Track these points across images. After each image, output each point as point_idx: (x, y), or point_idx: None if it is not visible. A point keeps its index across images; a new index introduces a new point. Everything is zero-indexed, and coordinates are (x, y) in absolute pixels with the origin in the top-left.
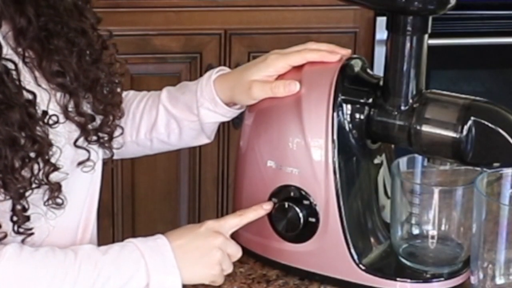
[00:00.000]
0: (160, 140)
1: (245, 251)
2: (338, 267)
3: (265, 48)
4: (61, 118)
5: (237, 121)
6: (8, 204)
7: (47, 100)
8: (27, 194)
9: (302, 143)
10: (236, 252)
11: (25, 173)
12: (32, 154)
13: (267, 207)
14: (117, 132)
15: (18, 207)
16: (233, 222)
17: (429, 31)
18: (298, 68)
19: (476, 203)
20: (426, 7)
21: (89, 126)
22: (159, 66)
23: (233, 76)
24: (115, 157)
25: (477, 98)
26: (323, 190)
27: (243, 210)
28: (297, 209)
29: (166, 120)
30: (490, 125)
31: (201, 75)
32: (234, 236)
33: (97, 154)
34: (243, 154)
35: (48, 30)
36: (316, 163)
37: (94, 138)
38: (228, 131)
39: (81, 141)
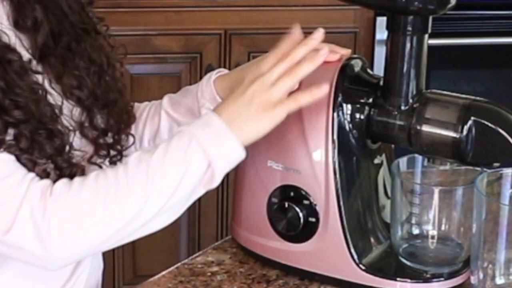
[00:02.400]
0: None
1: (245, 251)
2: (338, 267)
3: (265, 48)
4: (77, 134)
5: None
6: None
7: (59, 108)
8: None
9: (302, 143)
10: (289, 80)
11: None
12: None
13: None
14: (129, 142)
15: (59, 160)
16: (273, 59)
17: (429, 31)
18: None
19: (476, 203)
20: (426, 7)
21: (101, 141)
22: (159, 66)
23: (233, 75)
24: None
25: (477, 98)
26: (323, 190)
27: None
28: (297, 209)
29: (168, 125)
30: (490, 125)
31: (201, 75)
32: (234, 236)
33: None
34: None
35: (70, 50)
36: (316, 163)
37: (104, 153)
38: None
39: (94, 158)
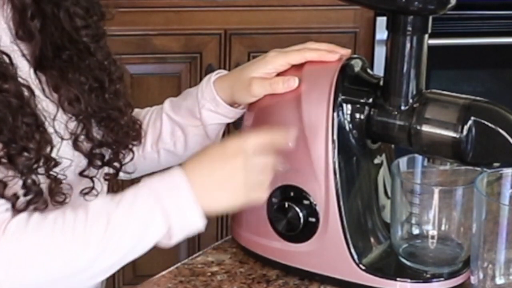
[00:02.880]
0: (166, 150)
1: (245, 251)
2: (338, 267)
3: (265, 48)
4: (70, 146)
5: (237, 122)
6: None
7: (53, 115)
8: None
9: (302, 143)
10: (265, 162)
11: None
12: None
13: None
14: (128, 158)
15: (29, 181)
16: (256, 139)
17: (429, 31)
18: (298, 68)
19: (476, 203)
20: (426, 7)
21: (96, 151)
22: (159, 66)
23: (233, 75)
24: (123, 178)
25: (477, 98)
26: (323, 190)
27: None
28: (297, 209)
29: (170, 128)
30: (490, 125)
31: (201, 75)
32: (234, 236)
33: (101, 184)
34: None
35: (72, 64)
36: (316, 163)
37: (99, 164)
38: (228, 131)
39: (87, 171)
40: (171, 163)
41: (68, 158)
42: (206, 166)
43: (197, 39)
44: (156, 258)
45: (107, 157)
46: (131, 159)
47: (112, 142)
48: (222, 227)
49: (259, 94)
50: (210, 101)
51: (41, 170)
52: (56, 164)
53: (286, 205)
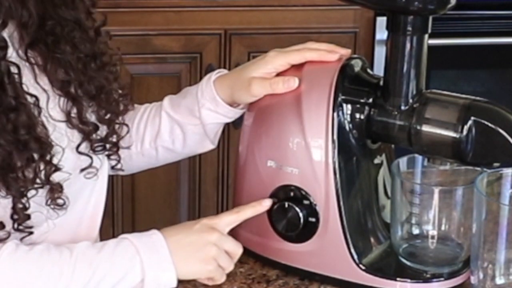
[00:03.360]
0: (165, 147)
1: (245, 251)
2: (338, 267)
3: (265, 48)
4: (63, 123)
5: (237, 121)
6: (9, 201)
7: (46, 101)
8: (28, 193)
9: (302, 143)
10: (234, 248)
11: (28, 173)
12: (36, 155)
13: (266, 203)
14: (124, 131)
15: (19, 205)
16: (230, 219)
17: (429, 31)
18: (298, 68)
19: (476, 203)
20: (426, 7)
21: (94, 136)
22: (159, 66)
23: (233, 74)
24: (122, 173)
25: (477, 98)
26: (323, 190)
27: (241, 206)
28: (297, 209)
29: (169, 126)
30: (490, 125)
31: (201, 75)
32: (234, 236)
33: (101, 161)
34: (243, 154)
35: (55, 34)
36: (316, 163)
37: (100, 148)
38: (228, 131)
39: (83, 147)
40: (169, 160)
41: (60, 145)
42: (183, 235)
43: (197, 39)
44: None
45: (104, 133)
46: (127, 132)
47: (104, 115)
48: None
49: (259, 94)
50: (210, 101)
51: (41, 175)
52: (57, 169)
53: (286, 205)
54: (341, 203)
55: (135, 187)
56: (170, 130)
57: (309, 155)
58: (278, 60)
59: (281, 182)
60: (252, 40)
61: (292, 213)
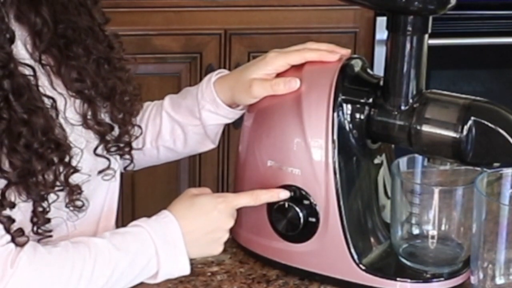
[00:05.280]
0: (166, 147)
1: (245, 251)
2: (338, 267)
3: (265, 48)
4: (80, 126)
5: (237, 121)
6: (29, 205)
7: (63, 105)
8: (49, 198)
9: (302, 143)
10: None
11: (47, 176)
12: (55, 158)
13: (282, 195)
14: (137, 132)
15: (39, 209)
16: (246, 201)
17: (429, 31)
18: (298, 68)
19: (476, 203)
20: (426, 7)
21: (108, 136)
22: (159, 66)
23: (233, 76)
24: (122, 171)
25: (477, 98)
26: (323, 190)
27: (256, 191)
28: (297, 209)
29: (170, 126)
30: (490, 125)
31: (201, 75)
32: (234, 236)
33: (117, 163)
34: (243, 154)
35: (67, 37)
36: (316, 163)
37: (114, 148)
38: (228, 131)
39: (100, 150)
40: (170, 158)
41: (79, 147)
42: (200, 226)
43: (197, 39)
44: None
45: (117, 133)
46: (141, 133)
47: (118, 115)
48: None
49: (260, 95)
50: (210, 102)
51: (61, 177)
52: (75, 171)
53: (286, 205)
54: (341, 203)
55: (135, 187)
56: (171, 130)
57: (309, 155)
58: (278, 61)
59: (281, 182)
60: (252, 40)
61: (292, 213)
